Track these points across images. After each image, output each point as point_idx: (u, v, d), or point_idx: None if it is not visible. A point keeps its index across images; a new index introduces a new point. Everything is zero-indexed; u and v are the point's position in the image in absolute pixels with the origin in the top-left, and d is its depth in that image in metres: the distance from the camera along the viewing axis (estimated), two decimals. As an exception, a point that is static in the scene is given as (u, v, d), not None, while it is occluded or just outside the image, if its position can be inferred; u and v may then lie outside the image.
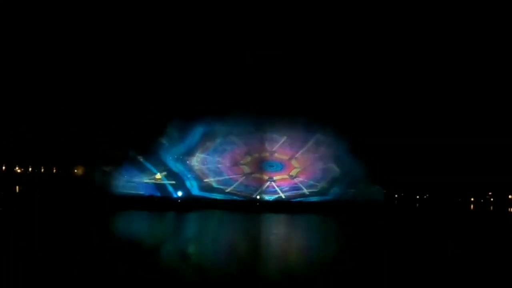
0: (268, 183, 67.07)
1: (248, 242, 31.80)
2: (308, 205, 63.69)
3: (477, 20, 69.15)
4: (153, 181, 65.27)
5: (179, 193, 64.06)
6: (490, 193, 76.98)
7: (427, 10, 69.15)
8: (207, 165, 67.47)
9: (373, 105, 69.07)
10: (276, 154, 68.86)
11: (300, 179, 67.74)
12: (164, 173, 65.87)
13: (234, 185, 66.48)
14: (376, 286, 19.40)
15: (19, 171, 77.19)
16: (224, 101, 64.03)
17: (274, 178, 67.51)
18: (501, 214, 66.17)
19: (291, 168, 68.35)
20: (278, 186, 67.14)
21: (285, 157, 68.81)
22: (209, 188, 65.82)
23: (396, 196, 73.41)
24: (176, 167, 66.25)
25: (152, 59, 70.14)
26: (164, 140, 65.25)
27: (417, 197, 75.66)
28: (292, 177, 67.77)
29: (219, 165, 67.42)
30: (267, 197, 66.15)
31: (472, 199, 76.39)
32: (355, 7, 70.29)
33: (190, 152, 67.33)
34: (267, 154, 68.54)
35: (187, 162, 67.37)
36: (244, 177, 67.08)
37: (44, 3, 69.15)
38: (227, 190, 65.94)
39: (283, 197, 66.37)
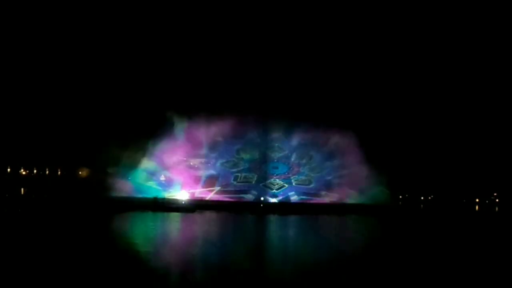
0: (271, 184, 67.07)
1: (252, 244, 31.81)
2: (311, 206, 63.60)
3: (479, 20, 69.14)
4: (157, 183, 65.48)
5: (183, 195, 64.12)
6: (495, 194, 76.62)
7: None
8: (211, 166, 67.56)
9: (379, 108, 69.05)
10: (280, 156, 68.83)
11: (304, 180, 67.66)
12: (168, 175, 66.02)
13: (238, 187, 66.54)
14: (381, 286, 19.39)
15: (24, 173, 77.54)
16: (229, 102, 64.17)
17: (278, 180, 67.49)
18: (506, 215, 65.77)
19: (295, 170, 68.29)
20: (282, 187, 67.12)
21: (289, 159, 68.81)
22: (213, 189, 65.89)
23: (400, 197, 73.15)
24: (180, 169, 66.39)
25: (156, 62, 70.50)
26: (168, 142, 65.39)
27: (422, 198, 75.40)
28: (295, 179, 67.70)
29: (223, 167, 67.48)
30: (270, 199, 66.08)
31: (477, 200, 76.03)
32: (370, 8, 70.33)
33: (193, 154, 67.46)
34: (274, 155, 68.52)
35: (191, 163, 67.51)
36: (248, 179, 67.11)
37: (44, 3, 69.59)
38: (231, 192, 66.02)
39: (287, 199, 66.35)
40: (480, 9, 68.72)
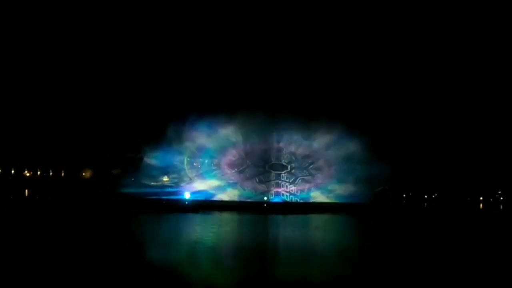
0: (276, 184, 67.02)
1: (257, 244, 31.79)
2: (315, 206, 63.52)
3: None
4: (160, 183, 65.49)
5: (187, 195, 64.13)
6: (499, 192, 76.35)
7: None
8: (214, 166, 67.50)
9: (382, 106, 68.84)
10: (285, 155, 68.71)
11: (306, 180, 67.56)
12: (172, 175, 66.03)
13: (242, 186, 66.49)
14: (385, 286, 19.37)
15: (27, 174, 77.74)
16: (234, 100, 64.04)
17: (283, 179, 67.41)
18: (510, 213, 65.60)
19: (301, 169, 68.14)
20: (286, 187, 67.06)
21: (294, 158, 68.71)
22: (216, 189, 65.88)
23: (404, 195, 73.05)
24: (184, 169, 66.38)
25: (159, 60, 70.45)
26: (171, 142, 65.37)
27: (425, 196, 75.22)
28: (299, 178, 67.62)
29: (227, 167, 67.42)
30: (275, 199, 66.07)
31: (481, 198, 75.79)
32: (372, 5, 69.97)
33: (197, 154, 67.43)
34: (277, 154, 68.39)
35: (195, 164, 67.48)
36: (252, 178, 67.06)
37: (44, 3, 69.60)
38: (234, 192, 66.01)
39: (291, 198, 66.31)
40: (482, 9, 68.43)
